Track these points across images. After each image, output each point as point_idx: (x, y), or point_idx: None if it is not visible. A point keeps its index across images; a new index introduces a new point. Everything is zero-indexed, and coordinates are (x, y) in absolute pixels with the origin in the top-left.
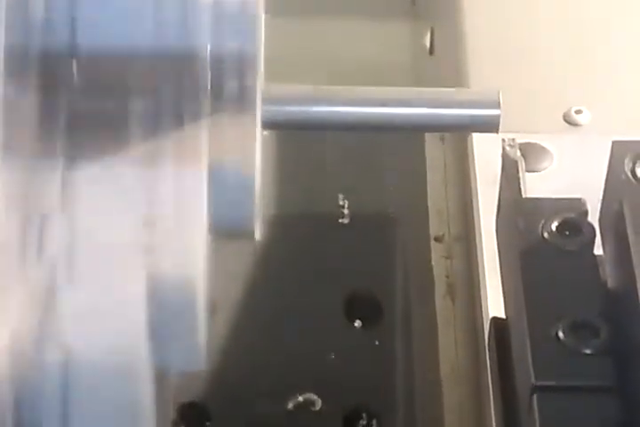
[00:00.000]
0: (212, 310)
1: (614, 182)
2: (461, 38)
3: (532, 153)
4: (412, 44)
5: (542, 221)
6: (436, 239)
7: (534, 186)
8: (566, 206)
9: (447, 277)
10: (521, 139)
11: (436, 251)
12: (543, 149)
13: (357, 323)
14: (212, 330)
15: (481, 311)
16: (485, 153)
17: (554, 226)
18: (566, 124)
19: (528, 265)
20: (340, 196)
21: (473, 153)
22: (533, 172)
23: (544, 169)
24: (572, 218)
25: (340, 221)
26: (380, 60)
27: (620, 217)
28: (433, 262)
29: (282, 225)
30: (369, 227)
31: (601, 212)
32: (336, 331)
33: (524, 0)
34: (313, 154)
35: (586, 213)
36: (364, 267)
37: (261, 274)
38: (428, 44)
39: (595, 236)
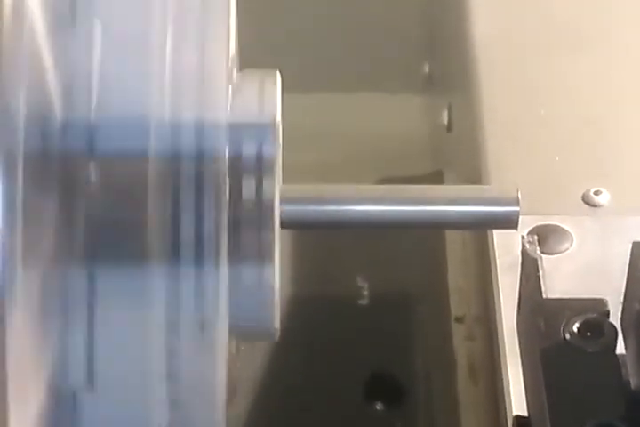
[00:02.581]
0: (232, 392)
1: (635, 282)
2: (479, 117)
3: (551, 235)
4: (429, 121)
5: (563, 323)
6: (457, 320)
7: (555, 268)
8: (587, 307)
9: (469, 358)
10: (540, 221)
11: (458, 332)
12: (563, 230)
13: (379, 405)
14: (232, 413)
15: (503, 395)
16: (505, 233)
17: (575, 327)
18: (585, 206)
19: (550, 366)
20: (359, 277)
21: (492, 234)
22: (554, 254)
23: (564, 251)
24: (594, 319)
25: (360, 302)
26: (397, 136)
27: None
28: (454, 343)
29: (301, 307)
30: (388, 308)
31: (622, 312)
32: (357, 413)
33: (542, 79)
34: (332, 235)
35: (607, 313)
36: (384, 348)
37: (281, 356)
38: (445, 122)
39: (617, 336)
